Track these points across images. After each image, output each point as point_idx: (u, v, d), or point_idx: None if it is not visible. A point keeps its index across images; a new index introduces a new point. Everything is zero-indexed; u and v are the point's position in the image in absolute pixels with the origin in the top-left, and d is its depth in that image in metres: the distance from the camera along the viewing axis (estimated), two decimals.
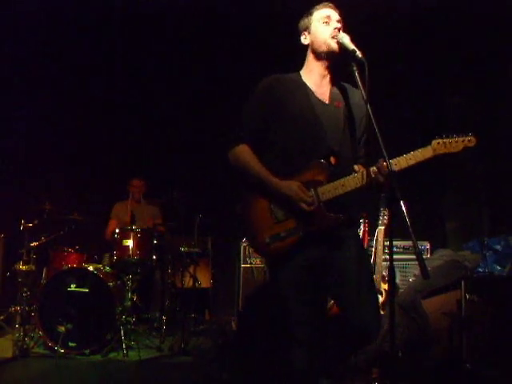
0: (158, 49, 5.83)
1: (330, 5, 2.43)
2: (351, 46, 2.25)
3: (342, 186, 2.24)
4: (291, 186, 2.24)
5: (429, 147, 2.23)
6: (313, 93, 2.38)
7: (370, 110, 2.17)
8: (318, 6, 2.43)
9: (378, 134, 2.15)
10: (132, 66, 5.94)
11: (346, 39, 2.28)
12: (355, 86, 2.28)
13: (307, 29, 2.42)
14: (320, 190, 2.25)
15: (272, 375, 3.36)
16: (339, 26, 2.36)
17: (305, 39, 2.44)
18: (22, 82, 5.77)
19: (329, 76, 2.41)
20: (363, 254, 2.45)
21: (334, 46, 2.31)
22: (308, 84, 2.40)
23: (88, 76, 5.89)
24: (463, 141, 2.22)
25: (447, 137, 2.23)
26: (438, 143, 2.22)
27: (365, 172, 2.22)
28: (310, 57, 2.43)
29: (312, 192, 2.25)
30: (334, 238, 2.29)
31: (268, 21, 5.26)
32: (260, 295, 4.24)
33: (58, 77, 5.84)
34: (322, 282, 2.32)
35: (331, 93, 2.40)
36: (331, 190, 2.24)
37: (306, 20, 2.44)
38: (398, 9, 5.00)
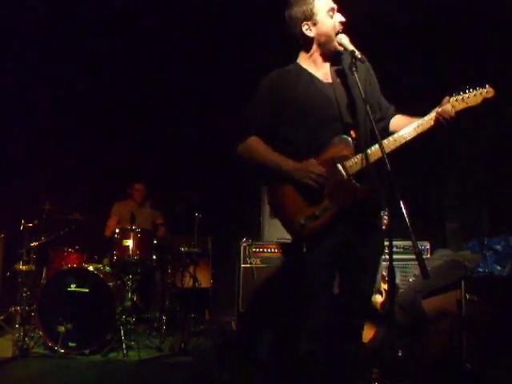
0: (159, 50, 5.82)
1: None
2: (350, 47, 2.24)
3: (370, 155, 2.21)
4: (308, 163, 2.22)
5: (448, 105, 2.20)
6: (315, 76, 2.35)
7: (369, 110, 2.17)
8: None
9: (377, 133, 2.15)
10: (133, 67, 5.93)
11: (345, 39, 2.27)
12: None
13: (311, 19, 2.28)
14: (347, 163, 2.23)
15: (273, 374, 3.36)
16: (343, 19, 2.31)
17: (308, 31, 2.30)
18: (21, 81, 5.77)
19: (330, 61, 2.39)
20: (381, 250, 2.45)
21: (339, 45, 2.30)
22: (309, 69, 2.37)
23: (88, 76, 5.89)
24: (481, 93, 2.20)
25: (464, 91, 2.21)
26: (456, 100, 2.20)
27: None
28: (313, 49, 2.36)
29: (339, 167, 2.23)
30: (365, 223, 2.28)
31: (268, 21, 5.26)
32: (260, 294, 4.24)
33: (58, 77, 5.84)
34: (340, 262, 2.32)
35: (332, 71, 2.38)
36: (358, 161, 2.22)
37: (306, 8, 2.28)
38: (398, 9, 5.00)
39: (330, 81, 2.36)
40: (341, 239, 2.24)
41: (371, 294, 2.44)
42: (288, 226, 2.29)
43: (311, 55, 2.38)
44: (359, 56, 2.20)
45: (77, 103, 5.99)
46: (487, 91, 2.21)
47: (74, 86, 5.91)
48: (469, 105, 2.21)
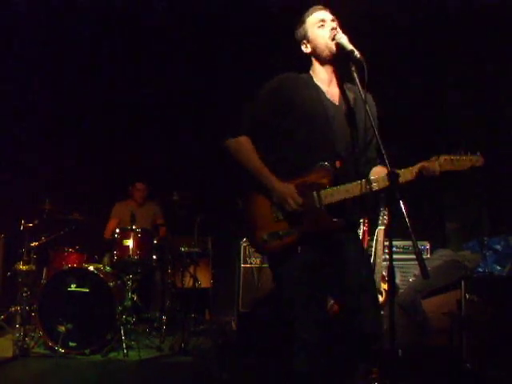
0: (159, 49, 5.82)
1: (320, 7, 2.41)
2: (349, 47, 2.24)
3: (346, 191, 2.22)
4: (287, 187, 2.24)
5: (435, 162, 2.21)
6: (324, 93, 2.36)
7: (368, 110, 2.17)
8: (308, 13, 2.41)
9: (377, 133, 2.15)
10: (133, 67, 5.93)
11: (344, 39, 2.27)
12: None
13: (305, 37, 2.39)
14: (323, 192, 2.24)
15: (273, 375, 3.36)
16: (334, 25, 2.34)
17: (306, 48, 2.41)
18: (21, 81, 5.77)
19: (336, 78, 2.40)
20: (362, 256, 2.43)
21: (335, 48, 2.30)
22: (319, 84, 2.38)
23: (88, 76, 5.89)
24: (471, 160, 2.21)
25: (455, 154, 2.21)
26: (445, 159, 2.21)
27: (378, 178, 2.20)
28: (316, 64, 2.41)
29: (314, 194, 2.24)
30: (334, 240, 2.28)
31: (268, 21, 5.26)
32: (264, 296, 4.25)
33: (58, 77, 5.84)
34: (323, 283, 2.30)
35: (341, 94, 2.39)
36: (334, 193, 2.23)
37: (300, 29, 2.41)
38: (398, 9, 5.00)
39: (336, 103, 2.36)
40: (311, 260, 2.24)
41: (374, 301, 2.39)
42: (250, 236, 2.32)
43: (315, 70, 2.41)
44: (358, 56, 2.19)
45: (77, 103, 5.99)
46: (477, 160, 2.22)
47: (74, 86, 5.91)
48: (455, 168, 2.22)
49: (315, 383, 2.27)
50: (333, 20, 2.36)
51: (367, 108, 2.17)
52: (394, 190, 2.02)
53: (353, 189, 2.22)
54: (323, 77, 2.39)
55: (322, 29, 2.34)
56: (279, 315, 3.55)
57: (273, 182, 2.25)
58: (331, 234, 2.26)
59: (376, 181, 2.20)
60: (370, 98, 2.36)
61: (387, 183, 2.12)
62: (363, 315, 2.23)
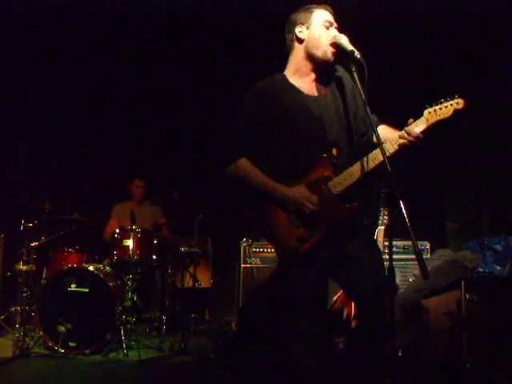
0: (159, 49, 5.82)
1: (330, 9, 2.41)
2: (349, 47, 2.24)
3: (351, 175, 2.24)
4: (297, 190, 2.26)
5: (422, 118, 2.23)
6: (301, 91, 2.36)
7: (368, 111, 2.18)
8: (320, 6, 2.39)
9: (377, 133, 2.15)
10: (132, 66, 5.93)
11: (343, 40, 2.27)
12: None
13: (306, 23, 2.36)
14: (330, 184, 2.25)
15: (273, 375, 3.36)
16: (337, 33, 2.34)
17: (301, 32, 2.37)
18: (21, 81, 5.77)
19: (316, 74, 2.41)
20: (371, 241, 2.48)
21: (330, 56, 2.32)
22: (295, 84, 2.38)
23: (88, 75, 5.89)
24: (451, 104, 2.22)
25: (436, 103, 2.23)
26: (429, 112, 2.23)
27: (374, 153, 2.22)
28: (300, 54, 2.39)
29: (324, 188, 2.25)
30: (346, 231, 2.29)
31: (268, 22, 5.26)
32: (263, 294, 4.25)
33: (57, 76, 5.84)
34: (331, 273, 2.35)
35: (317, 83, 2.39)
36: (341, 181, 2.24)
37: (306, 14, 2.37)
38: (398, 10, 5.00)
39: (315, 94, 2.37)
40: (331, 253, 2.27)
41: (383, 272, 2.39)
42: (280, 248, 2.33)
43: (297, 63, 2.40)
44: (358, 56, 2.19)
45: (77, 103, 5.99)
46: (457, 102, 2.23)
47: (74, 86, 5.91)
48: (440, 117, 2.22)
49: (317, 379, 2.27)
50: (336, 27, 2.37)
51: (367, 108, 2.18)
52: (394, 189, 2.02)
53: (356, 171, 2.23)
54: (303, 69, 2.39)
55: (325, 30, 2.34)
56: (279, 314, 3.56)
57: (284, 191, 2.27)
58: (350, 221, 2.28)
59: (372, 157, 2.22)
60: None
61: (381, 157, 2.16)
62: (375, 312, 2.25)
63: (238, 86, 5.62)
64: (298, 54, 2.40)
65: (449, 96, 2.23)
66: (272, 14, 5.05)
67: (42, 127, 5.93)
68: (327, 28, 2.34)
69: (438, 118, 2.22)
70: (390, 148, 2.21)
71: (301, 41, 2.38)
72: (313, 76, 2.40)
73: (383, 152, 2.10)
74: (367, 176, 2.23)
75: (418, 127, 2.21)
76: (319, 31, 2.34)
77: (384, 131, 2.35)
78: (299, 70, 2.40)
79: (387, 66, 4.80)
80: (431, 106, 2.22)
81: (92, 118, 6.04)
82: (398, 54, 5.17)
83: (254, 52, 5.53)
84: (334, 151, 2.30)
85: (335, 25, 2.38)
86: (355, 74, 2.24)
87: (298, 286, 2.30)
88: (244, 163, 2.36)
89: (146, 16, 5.56)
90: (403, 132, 2.22)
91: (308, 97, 2.36)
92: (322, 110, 2.33)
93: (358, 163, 2.23)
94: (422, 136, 2.21)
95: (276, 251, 2.36)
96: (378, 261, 2.36)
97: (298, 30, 2.38)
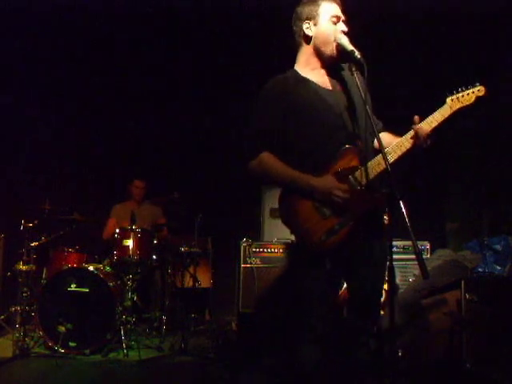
0: (159, 49, 5.83)
1: (338, 1, 2.35)
2: (350, 47, 2.23)
3: (378, 164, 2.21)
4: (326, 180, 2.21)
5: (446, 106, 2.26)
6: (316, 84, 2.33)
7: (368, 111, 2.18)
8: None
9: (377, 133, 2.15)
10: (133, 67, 5.94)
11: (344, 40, 2.26)
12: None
13: (313, 19, 2.31)
14: (358, 173, 2.22)
15: (274, 375, 3.36)
16: (346, 28, 2.31)
17: (308, 29, 2.33)
18: (20, 81, 5.76)
19: (325, 66, 2.38)
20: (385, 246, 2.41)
21: (337, 53, 2.30)
22: (308, 77, 2.35)
23: (88, 76, 5.89)
24: (473, 92, 2.26)
25: (458, 91, 2.27)
26: (452, 100, 2.26)
27: (400, 142, 2.24)
28: (309, 50, 2.36)
29: (351, 178, 2.22)
30: (374, 224, 2.29)
31: (269, 21, 5.26)
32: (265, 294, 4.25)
33: (57, 76, 5.84)
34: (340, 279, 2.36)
35: (330, 79, 2.37)
36: (368, 171, 2.22)
37: (312, 7, 2.32)
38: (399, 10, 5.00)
39: (329, 87, 2.35)
40: (351, 254, 2.25)
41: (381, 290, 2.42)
42: (308, 243, 2.25)
43: (307, 59, 2.37)
44: (358, 56, 2.18)
45: (77, 103, 5.99)
46: (479, 90, 2.27)
47: (74, 86, 5.91)
48: (463, 104, 2.26)
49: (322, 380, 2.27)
50: (344, 21, 2.33)
51: (367, 108, 2.17)
52: (394, 189, 2.02)
53: (380, 161, 2.20)
54: (314, 65, 2.37)
55: (333, 25, 2.30)
56: (286, 314, 3.55)
57: (310, 181, 2.21)
58: (376, 214, 2.27)
59: (392, 150, 2.24)
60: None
61: (403, 149, 2.22)
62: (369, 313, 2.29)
63: (238, 86, 5.66)
64: (306, 51, 2.37)
65: (469, 84, 2.27)
66: (272, 13, 5.07)
67: (42, 127, 5.93)
68: (335, 23, 2.30)
69: (461, 104, 2.25)
70: (404, 146, 2.24)
71: (308, 37, 2.34)
72: (324, 71, 2.37)
73: (385, 158, 2.09)
74: (396, 162, 2.23)
75: (442, 114, 2.25)
76: (327, 28, 2.30)
77: (386, 137, 2.34)
78: (309, 64, 2.37)
79: (387, 66, 4.80)
80: (452, 94, 2.25)
81: (92, 118, 6.04)
82: (398, 54, 5.17)
83: (254, 52, 5.53)
84: (359, 142, 2.28)
85: (343, 18, 2.34)
86: (356, 74, 2.24)
87: (312, 285, 2.28)
88: (267, 157, 2.30)
89: (145, 16, 5.57)
90: (411, 132, 2.23)
91: (323, 89, 2.33)
92: (339, 104, 2.31)
93: (380, 155, 2.19)
94: (431, 135, 2.22)
95: (303, 246, 2.27)
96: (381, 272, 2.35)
97: (305, 26, 2.33)
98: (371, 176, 2.21)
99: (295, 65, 2.42)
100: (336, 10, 2.32)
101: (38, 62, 5.76)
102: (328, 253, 2.23)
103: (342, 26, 2.31)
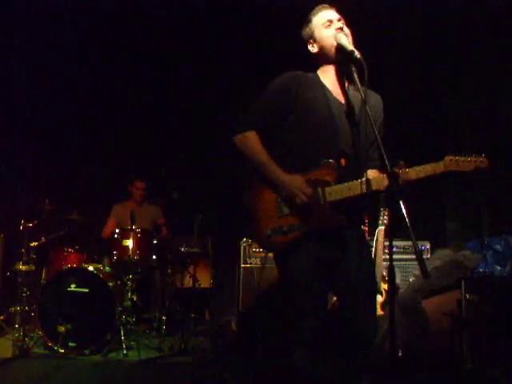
0: (159, 50, 5.82)
1: (326, 6, 2.40)
2: (349, 47, 2.24)
3: (349, 189, 2.22)
4: (295, 179, 2.24)
5: (441, 163, 2.21)
6: (330, 92, 2.36)
7: (368, 111, 2.17)
8: (314, 12, 2.41)
9: (377, 134, 2.15)
10: (132, 67, 5.93)
11: (344, 40, 2.27)
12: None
13: (312, 37, 2.39)
14: (327, 189, 2.24)
15: (274, 375, 3.36)
16: (341, 24, 2.34)
17: (313, 48, 2.41)
18: (21, 81, 5.76)
19: (344, 77, 2.39)
20: (366, 256, 2.42)
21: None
22: (325, 83, 2.38)
23: (88, 76, 5.89)
24: (475, 161, 2.20)
25: (460, 155, 2.20)
26: (451, 160, 2.20)
27: (375, 178, 2.20)
28: (323, 63, 2.41)
29: (319, 191, 2.23)
30: (337, 238, 2.28)
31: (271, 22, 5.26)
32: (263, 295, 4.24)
33: (58, 76, 5.84)
34: (327, 280, 2.31)
35: (347, 94, 2.38)
36: (338, 191, 2.23)
37: (307, 29, 2.41)
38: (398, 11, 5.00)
39: (342, 101, 2.36)
40: (316, 257, 2.24)
41: (372, 305, 2.39)
42: (254, 232, 2.32)
43: (325, 70, 2.41)
44: (358, 56, 2.19)
45: (77, 103, 5.99)
46: (482, 161, 2.21)
47: (74, 87, 5.90)
48: (460, 169, 2.20)
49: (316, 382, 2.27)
50: (339, 19, 2.36)
51: (367, 108, 2.17)
52: (393, 189, 2.01)
53: (355, 187, 2.21)
54: (330, 76, 2.39)
55: (328, 29, 2.34)
56: (280, 313, 3.55)
57: (281, 175, 2.26)
58: (335, 231, 2.26)
59: (375, 181, 2.20)
60: (377, 98, 2.42)
61: (385, 183, 2.13)
62: (360, 318, 2.24)
63: (239, 86, 5.65)
64: (322, 65, 2.43)
65: (474, 152, 2.22)
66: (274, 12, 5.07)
67: (42, 127, 5.93)
68: (329, 26, 2.34)
69: (457, 168, 2.20)
70: (381, 183, 2.18)
71: (316, 54, 2.41)
72: (342, 82, 2.39)
73: (393, 180, 2.04)
74: (365, 195, 2.21)
75: (434, 169, 2.19)
76: (324, 35, 2.34)
77: (372, 173, 2.34)
78: (327, 73, 2.40)
79: (387, 65, 4.80)
80: (454, 155, 2.20)
81: (92, 118, 6.04)
82: (399, 54, 5.17)
83: (254, 52, 5.53)
84: (343, 161, 2.29)
85: (337, 17, 2.36)
86: (355, 74, 2.24)
87: (294, 279, 2.28)
88: (253, 137, 2.36)
89: (145, 16, 5.57)
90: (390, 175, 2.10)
91: (335, 100, 2.36)
92: (342, 118, 2.33)
93: (359, 181, 2.20)
94: (410, 185, 2.18)
95: (251, 237, 2.35)
96: (367, 279, 2.33)
97: (309, 47, 2.42)
98: (338, 196, 2.22)
99: (318, 71, 2.45)
100: (325, 14, 2.38)
101: (38, 62, 5.76)
102: (271, 250, 2.29)
103: (337, 24, 2.34)
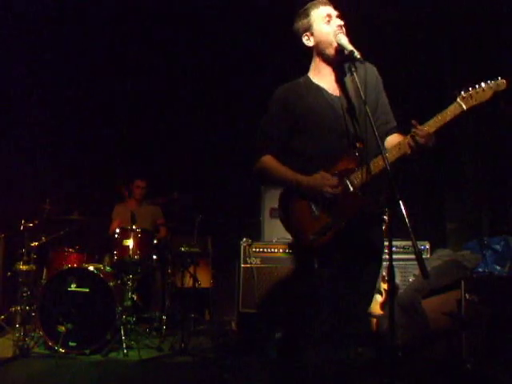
0: (160, 50, 5.82)
1: (325, 1, 2.39)
2: (349, 47, 2.24)
3: (374, 166, 2.21)
4: (315, 176, 2.24)
5: (455, 104, 2.13)
6: (325, 90, 2.38)
7: (368, 110, 2.18)
8: (313, 5, 2.38)
9: (376, 133, 2.15)
10: (132, 67, 5.93)
11: (343, 40, 2.27)
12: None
13: (309, 30, 2.36)
14: (353, 176, 2.24)
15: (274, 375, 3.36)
16: (341, 22, 2.33)
17: (308, 41, 2.39)
18: (21, 81, 5.76)
19: (337, 70, 2.40)
20: (380, 257, 2.50)
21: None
22: (319, 84, 2.39)
23: (88, 76, 5.89)
24: (492, 87, 2.13)
25: (473, 88, 2.13)
26: (464, 97, 2.12)
27: (398, 144, 2.20)
28: (317, 59, 2.41)
29: (345, 180, 2.24)
30: (366, 229, 2.31)
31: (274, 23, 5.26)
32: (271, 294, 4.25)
33: (58, 77, 5.84)
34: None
35: (340, 83, 2.39)
36: (364, 173, 2.22)
37: (304, 21, 2.37)
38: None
39: (337, 94, 2.38)
40: (348, 253, 2.26)
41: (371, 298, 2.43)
42: (299, 241, 2.32)
43: (316, 66, 2.41)
44: (358, 56, 2.19)
45: (77, 103, 5.99)
46: (498, 84, 2.13)
47: (74, 87, 5.91)
48: (479, 101, 2.12)
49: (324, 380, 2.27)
50: (338, 16, 2.35)
51: (367, 108, 2.18)
52: (394, 189, 2.01)
53: (378, 162, 2.20)
54: (323, 71, 2.40)
55: (327, 24, 2.33)
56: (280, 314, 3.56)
57: (301, 179, 2.26)
58: (368, 218, 2.27)
59: (390, 151, 2.20)
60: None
61: (401, 151, 2.16)
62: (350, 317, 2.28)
63: (239, 87, 5.65)
64: (314, 60, 2.42)
65: (488, 79, 2.12)
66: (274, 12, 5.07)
67: (42, 127, 5.93)
68: (329, 22, 2.33)
69: (475, 102, 2.13)
70: (401, 149, 2.19)
71: (311, 48, 2.40)
72: (334, 76, 2.40)
73: (385, 160, 2.08)
74: (386, 170, 2.17)
75: (453, 112, 2.11)
76: (324, 30, 2.33)
77: (396, 138, 2.33)
78: (320, 71, 2.41)
79: (387, 65, 4.79)
80: (466, 90, 2.12)
81: (92, 118, 6.04)
82: (398, 54, 5.17)
83: (254, 53, 5.52)
84: (359, 144, 2.29)
85: (336, 13, 2.36)
86: (355, 74, 2.24)
87: (314, 285, 2.30)
88: (267, 159, 2.39)
89: (144, 16, 5.57)
90: (410, 137, 2.17)
91: (332, 96, 2.37)
92: (345, 109, 2.33)
93: (379, 157, 2.17)
94: (432, 137, 2.16)
95: (296, 245, 2.35)
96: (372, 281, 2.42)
97: (304, 39, 2.40)
98: (369, 177, 2.21)
99: (308, 72, 2.46)
100: (326, 10, 2.36)
101: (38, 62, 5.76)
102: (316, 252, 2.27)
103: (337, 21, 2.34)
